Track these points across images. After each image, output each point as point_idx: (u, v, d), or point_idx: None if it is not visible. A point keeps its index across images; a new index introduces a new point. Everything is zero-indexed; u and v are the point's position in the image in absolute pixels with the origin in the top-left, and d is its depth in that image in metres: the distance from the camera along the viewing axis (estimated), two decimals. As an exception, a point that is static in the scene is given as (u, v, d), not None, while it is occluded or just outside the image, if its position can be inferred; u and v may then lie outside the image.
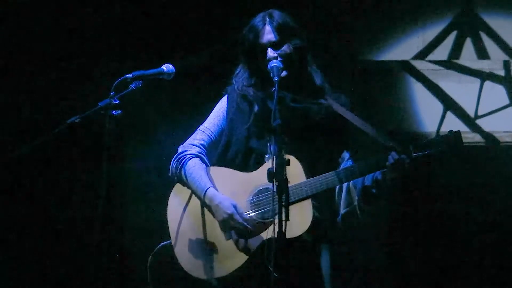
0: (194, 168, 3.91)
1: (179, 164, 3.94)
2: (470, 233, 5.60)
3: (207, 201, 3.84)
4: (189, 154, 3.96)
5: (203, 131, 4.02)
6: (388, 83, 5.79)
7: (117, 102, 3.66)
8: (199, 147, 3.98)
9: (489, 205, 5.60)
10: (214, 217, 3.84)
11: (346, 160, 3.92)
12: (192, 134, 4.04)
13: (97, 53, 5.75)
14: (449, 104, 5.77)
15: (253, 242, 3.76)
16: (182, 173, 3.92)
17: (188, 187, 3.93)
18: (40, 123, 5.62)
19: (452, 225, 5.62)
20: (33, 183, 5.71)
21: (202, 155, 3.97)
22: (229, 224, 3.78)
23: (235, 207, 3.78)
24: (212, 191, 3.84)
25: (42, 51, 5.75)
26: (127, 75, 3.75)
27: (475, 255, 5.59)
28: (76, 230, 5.68)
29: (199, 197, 3.88)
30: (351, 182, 3.84)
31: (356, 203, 3.84)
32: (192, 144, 3.99)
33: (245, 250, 3.78)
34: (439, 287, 5.64)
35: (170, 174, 4.00)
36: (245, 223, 3.76)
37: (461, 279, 5.60)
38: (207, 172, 3.92)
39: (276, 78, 3.68)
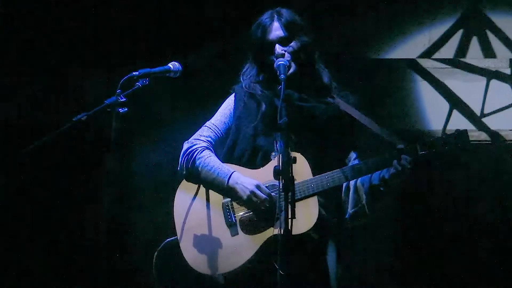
0: (210, 157, 3.89)
1: (191, 157, 3.90)
2: (475, 231, 5.60)
3: (232, 183, 3.80)
4: (200, 147, 3.93)
5: (210, 128, 4.00)
6: (394, 81, 5.79)
7: (123, 99, 3.66)
8: (207, 142, 3.96)
9: (495, 203, 5.60)
10: (234, 200, 3.83)
11: (353, 159, 3.92)
12: (198, 130, 4.02)
13: (98, 53, 5.76)
14: (455, 103, 5.77)
15: (259, 238, 3.77)
16: (196, 164, 3.88)
17: (201, 179, 3.88)
18: (45, 122, 5.65)
19: (457, 223, 5.62)
20: (39, 181, 5.71)
21: (211, 148, 3.96)
22: (254, 199, 3.75)
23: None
24: (237, 174, 3.82)
25: (44, 50, 5.76)
26: (134, 73, 3.74)
27: (481, 254, 5.58)
28: (81, 227, 5.69)
29: (219, 184, 3.83)
30: (358, 180, 3.85)
31: (364, 201, 3.84)
32: (199, 139, 3.97)
33: (250, 246, 3.77)
34: (445, 284, 5.64)
35: (179, 168, 3.96)
36: (269, 194, 3.75)
37: (466, 277, 5.60)
38: None
39: (282, 76, 3.68)
